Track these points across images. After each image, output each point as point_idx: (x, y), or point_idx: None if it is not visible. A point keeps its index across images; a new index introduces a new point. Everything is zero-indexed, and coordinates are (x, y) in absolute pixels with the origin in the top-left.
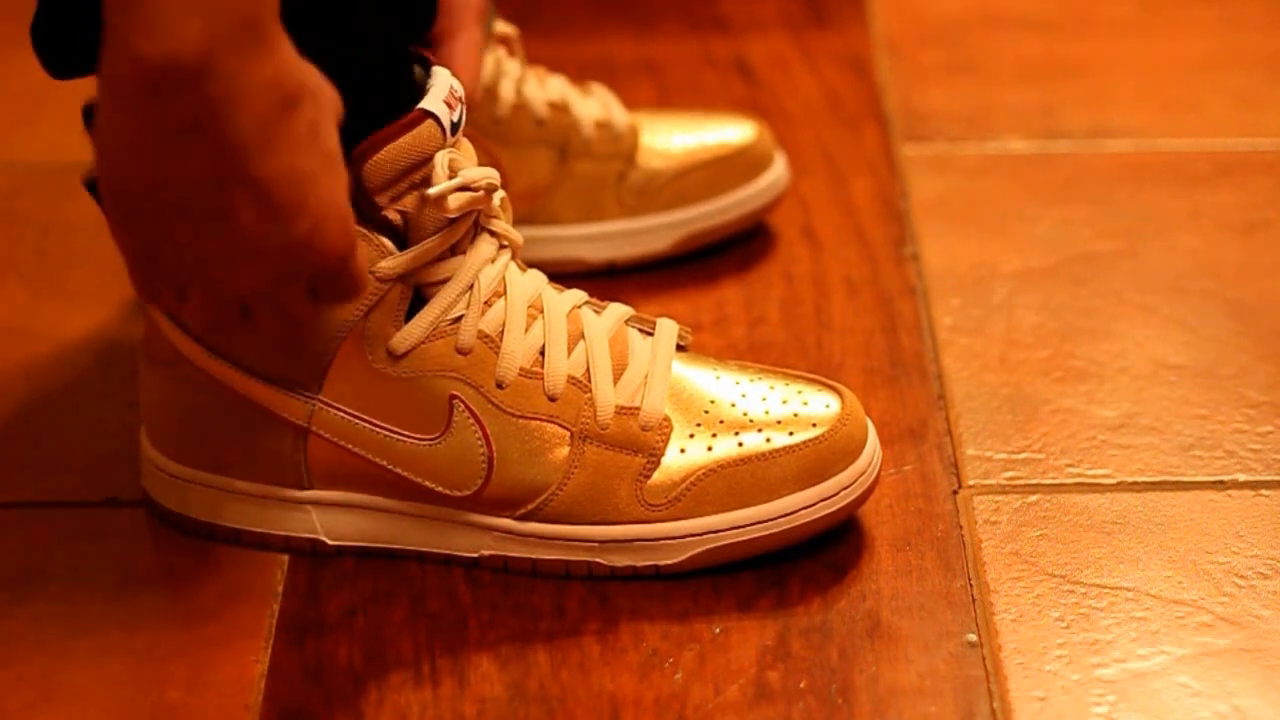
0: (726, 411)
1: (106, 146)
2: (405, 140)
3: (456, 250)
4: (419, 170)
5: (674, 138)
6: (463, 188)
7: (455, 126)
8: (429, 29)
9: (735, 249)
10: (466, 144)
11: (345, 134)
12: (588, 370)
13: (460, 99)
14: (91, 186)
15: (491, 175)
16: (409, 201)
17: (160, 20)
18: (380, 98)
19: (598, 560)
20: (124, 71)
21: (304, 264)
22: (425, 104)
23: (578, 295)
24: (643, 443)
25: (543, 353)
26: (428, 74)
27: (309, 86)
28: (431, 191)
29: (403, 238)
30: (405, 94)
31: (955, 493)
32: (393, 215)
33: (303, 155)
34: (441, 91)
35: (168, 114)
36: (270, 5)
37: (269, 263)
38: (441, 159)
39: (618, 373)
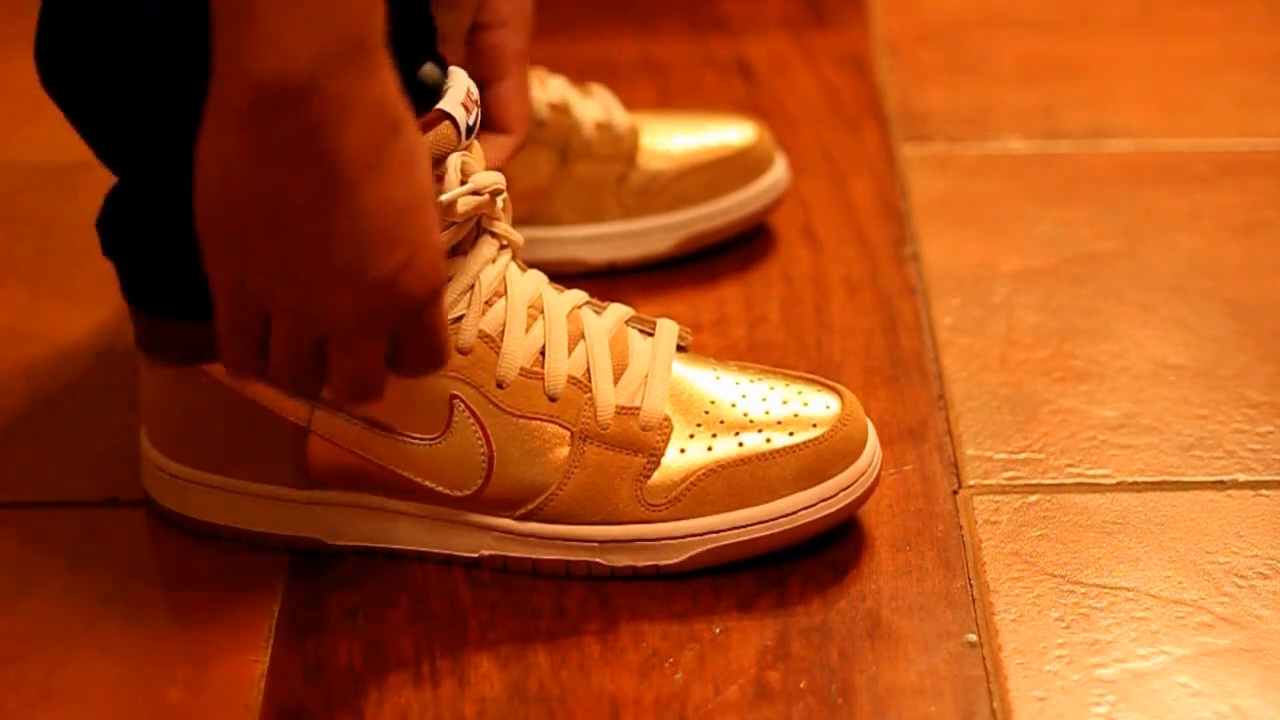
0: (727, 412)
1: (211, 169)
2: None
3: (458, 251)
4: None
5: (674, 139)
6: (473, 192)
7: (470, 130)
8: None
9: (735, 249)
10: (477, 147)
11: None
12: (588, 370)
13: (476, 102)
14: (102, 225)
15: (499, 180)
16: None
17: (271, 39)
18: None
19: (598, 560)
20: (234, 91)
21: (395, 299)
22: (443, 105)
23: (578, 295)
24: (643, 443)
25: (543, 353)
26: (445, 75)
27: (408, 115)
28: (444, 198)
29: None
30: (421, 94)
31: (955, 493)
32: None
33: (402, 184)
34: (459, 94)
35: (276, 134)
36: (378, 27)
37: (361, 295)
38: (454, 162)
39: (618, 373)
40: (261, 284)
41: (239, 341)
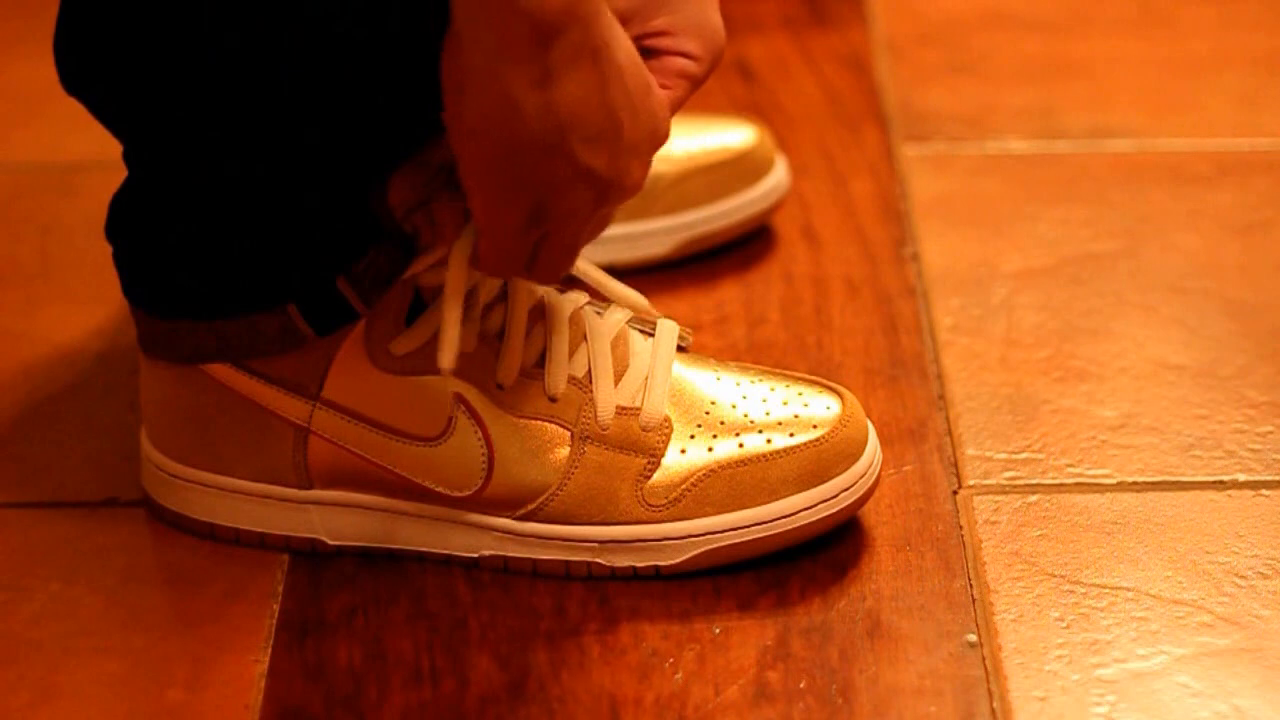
0: (727, 413)
1: (502, 124)
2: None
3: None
4: (441, 176)
5: (674, 142)
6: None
7: None
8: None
9: (735, 250)
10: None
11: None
12: (589, 371)
13: None
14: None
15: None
16: (421, 215)
17: None
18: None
19: (598, 560)
20: (515, 31)
21: (661, 137)
22: None
23: (579, 296)
24: (643, 443)
25: (544, 353)
26: None
27: None
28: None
29: (411, 243)
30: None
31: (955, 493)
32: (407, 225)
33: (625, 35)
34: None
35: (563, 52)
36: None
37: (649, 152)
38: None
39: (619, 373)
40: (561, 194)
41: (517, 260)
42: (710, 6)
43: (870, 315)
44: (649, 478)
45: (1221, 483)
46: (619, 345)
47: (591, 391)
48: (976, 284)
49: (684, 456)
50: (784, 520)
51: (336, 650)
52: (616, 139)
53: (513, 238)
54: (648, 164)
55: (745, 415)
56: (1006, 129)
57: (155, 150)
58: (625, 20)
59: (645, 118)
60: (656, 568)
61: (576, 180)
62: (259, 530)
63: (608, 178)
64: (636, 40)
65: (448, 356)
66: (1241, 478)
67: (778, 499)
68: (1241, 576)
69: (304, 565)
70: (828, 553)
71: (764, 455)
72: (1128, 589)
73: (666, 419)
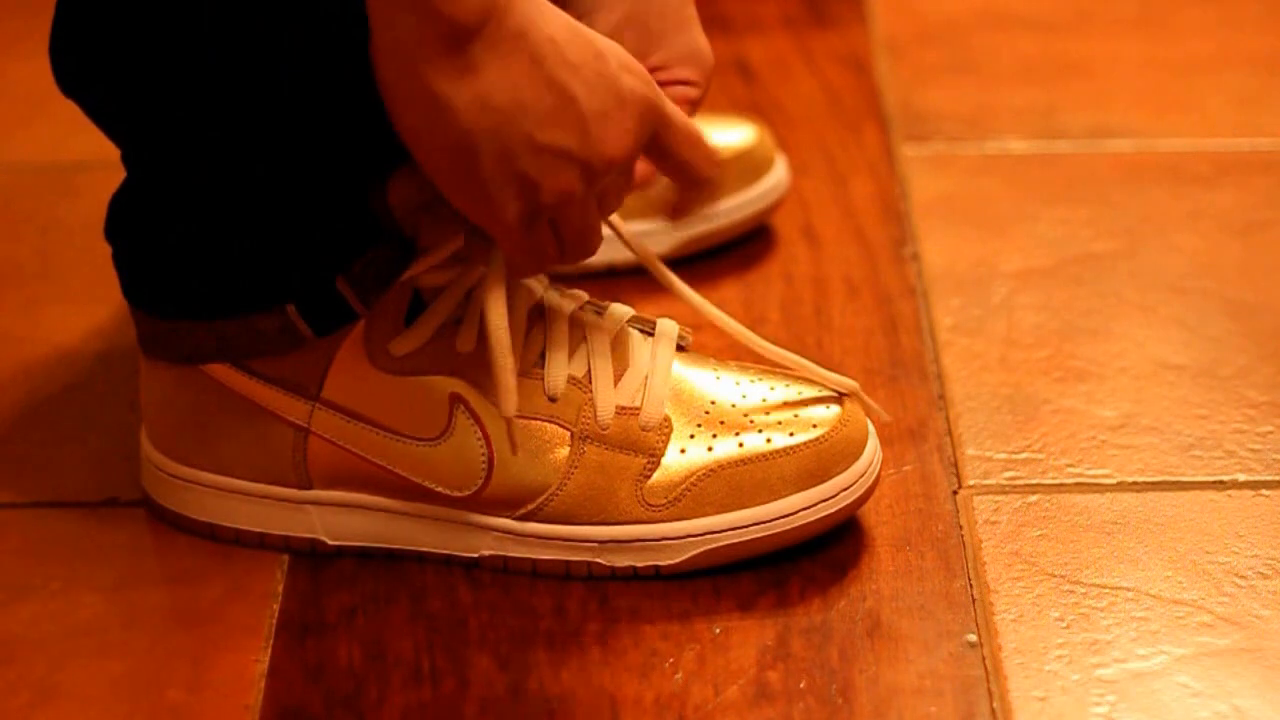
0: (727, 412)
1: (442, 131)
2: None
3: (459, 255)
4: None
5: None
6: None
7: None
8: None
9: (735, 249)
10: None
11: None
12: (588, 371)
13: None
14: (108, 228)
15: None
16: (421, 215)
17: None
18: None
19: (598, 560)
20: (434, 36)
21: (634, 92)
22: None
23: (579, 296)
24: (643, 443)
25: (543, 353)
26: None
27: None
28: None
29: (411, 243)
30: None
31: (955, 493)
32: (407, 225)
33: (555, 9)
34: None
35: (483, 46)
36: None
37: (625, 116)
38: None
39: (618, 373)
40: (541, 179)
41: (538, 253)
42: (697, 31)
43: (870, 315)
44: (649, 477)
45: (1221, 483)
46: (618, 345)
47: (591, 391)
48: (976, 284)
49: (684, 456)
50: (784, 520)
51: (336, 650)
52: (574, 112)
53: (518, 235)
54: (628, 128)
55: (745, 414)
56: (1006, 129)
57: (154, 151)
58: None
59: (600, 82)
60: (656, 568)
61: (550, 163)
62: (259, 530)
63: (582, 152)
64: None
65: (508, 404)
66: (1241, 478)
67: (777, 499)
68: (1241, 576)
69: (304, 565)
70: (828, 553)
71: (764, 455)
72: (1128, 589)
73: (666, 419)
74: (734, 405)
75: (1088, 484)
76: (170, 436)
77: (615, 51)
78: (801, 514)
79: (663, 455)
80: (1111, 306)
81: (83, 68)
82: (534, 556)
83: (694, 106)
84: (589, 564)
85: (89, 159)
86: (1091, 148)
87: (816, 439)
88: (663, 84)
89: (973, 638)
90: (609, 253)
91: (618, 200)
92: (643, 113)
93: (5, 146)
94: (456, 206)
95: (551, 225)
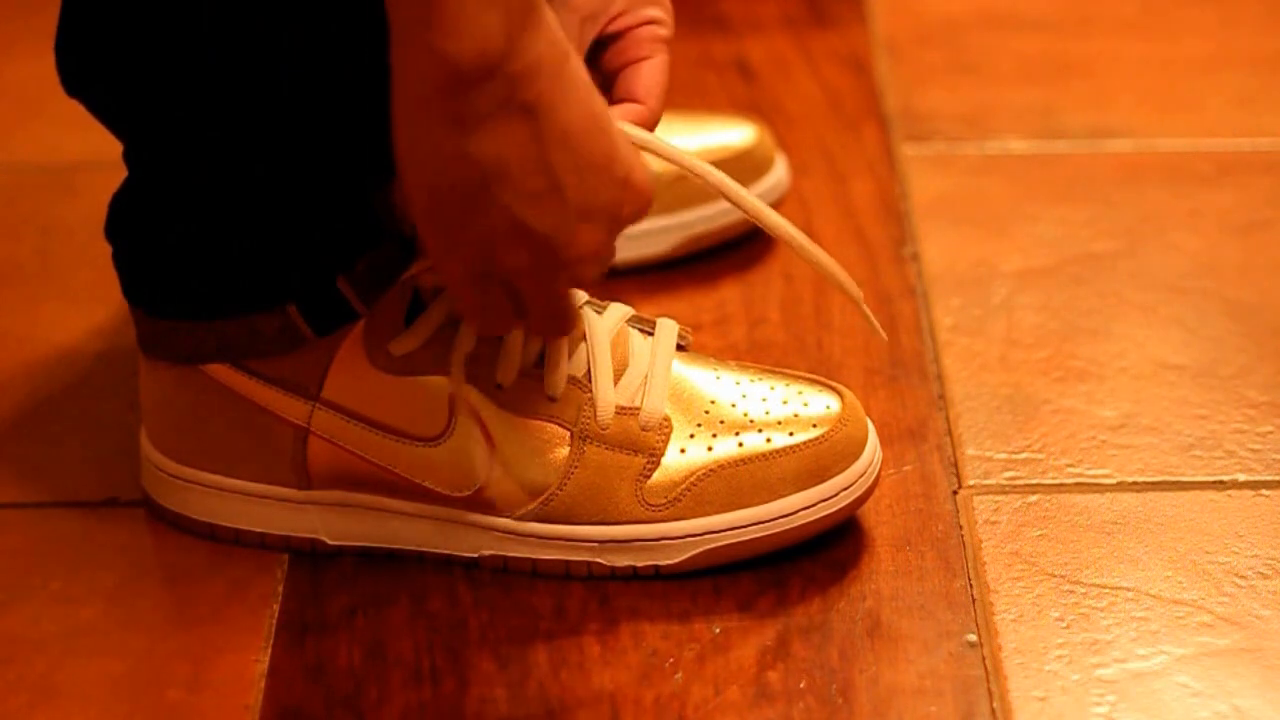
0: (727, 412)
1: (422, 158)
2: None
3: None
4: None
5: (674, 140)
6: None
7: None
8: None
9: (735, 249)
10: None
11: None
12: (588, 370)
13: None
14: (109, 227)
15: None
16: None
17: (465, 18)
18: None
19: (598, 560)
20: (432, 76)
21: (627, 213)
22: None
23: (578, 296)
24: (643, 443)
25: (543, 353)
26: None
27: (568, 40)
28: None
29: (411, 243)
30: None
31: (955, 493)
32: (407, 225)
33: (591, 105)
34: None
35: (482, 103)
36: None
37: (598, 222)
38: None
39: (618, 373)
40: (502, 250)
41: (491, 314)
42: None
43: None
44: (649, 477)
45: (1221, 483)
46: (618, 344)
47: (591, 391)
48: (976, 284)
49: (684, 456)
50: (783, 520)
51: (336, 650)
52: (559, 201)
53: (465, 287)
54: (604, 234)
55: (745, 414)
56: (1006, 129)
57: (155, 150)
58: (592, 17)
59: (601, 186)
60: (656, 567)
61: (515, 238)
62: (259, 530)
63: (550, 240)
64: (605, 33)
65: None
66: (1241, 478)
67: (777, 498)
68: (1241, 576)
69: (304, 565)
70: (828, 553)
71: (764, 454)
72: (1128, 589)
73: (666, 418)
74: (734, 405)
75: (1088, 484)
76: (170, 436)
77: (628, 159)
78: (801, 514)
79: (662, 455)
80: (1111, 306)
81: (84, 68)
82: (534, 556)
83: (667, 44)
84: (589, 564)
85: (89, 159)
86: (1091, 148)
87: (816, 439)
88: (631, 27)
89: (973, 638)
90: None
91: (589, 282)
92: (626, 225)
93: (5, 146)
94: (421, 235)
95: (511, 293)
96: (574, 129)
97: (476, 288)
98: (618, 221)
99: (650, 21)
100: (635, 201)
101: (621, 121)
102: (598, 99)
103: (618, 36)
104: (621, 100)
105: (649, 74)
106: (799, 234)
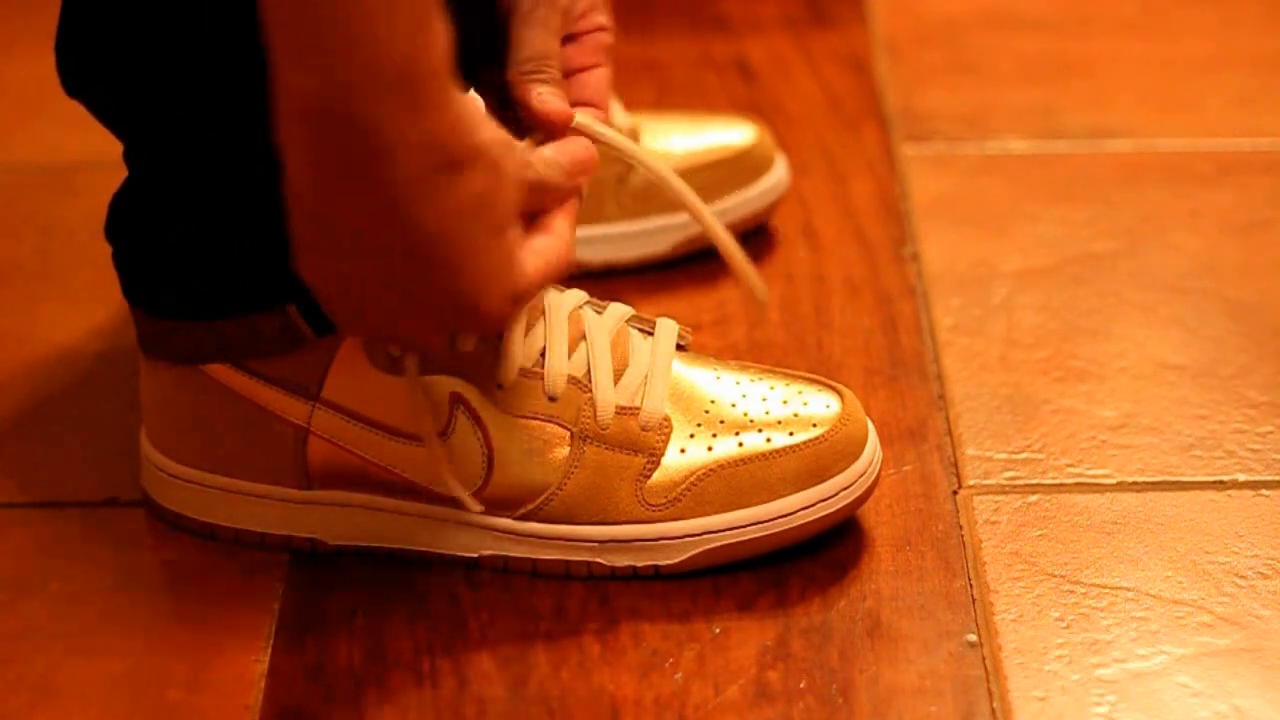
0: (727, 412)
1: (290, 178)
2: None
3: None
4: None
5: (674, 140)
6: None
7: None
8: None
9: None
10: None
11: None
12: (588, 370)
13: None
14: (109, 227)
15: None
16: None
17: (315, 57)
18: None
19: (598, 560)
20: (289, 101)
21: (460, 325)
22: None
23: (578, 295)
24: (643, 443)
25: (543, 353)
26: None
27: (486, 156)
28: None
29: None
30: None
31: (955, 493)
32: None
33: (464, 222)
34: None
35: (328, 148)
36: (432, 67)
37: (423, 315)
38: None
39: (618, 373)
40: (353, 293)
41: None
42: None
43: (870, 315)
44: (649, 477)
45: (1221, 483)
46: (618, 344)
47: (591, 391)
48: (976, 284)
49: (683, 456)
50: (783, 519)
51: (336, 650)
52: (386, 275)
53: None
54: (508, 312)
55: (745, 414)
56: (1006, 129)
57: (155, 150)
58: (566, 12)
59: (437, 282)
60: (656, 567)
61: (366, 288)
62: (259, 530)
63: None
64: (575, 31)
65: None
66: (1241, 478)
67: (777, 498)
68: (1241, 576)
69: (304, 565)
70: (828, 553)
71: (763, 454)
72: (1128, 589)
73: (666, 418)
74: (734, 405)
75: (1088, 484)
76: (170, 436)
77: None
78: (801, 514)
79: (662, 455)
80: (1111, 306)
81: (84, 68)
82: (534, 556)
83: (610, 54)
84: (589, 564)
85: (89, 159)
86: (1091, 148)
87: (816, 439)
88: (586, 31)
89: (973, 638)
90: (609, 252)
91: (490, 334)
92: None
93: (5, 146)
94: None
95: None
96: (429, 228)
97: (350, 313)
98: (444, 327)
99: (600, 28)
100: (469, 324)
101: (582, 116)
102: (488, 218)
103: (572, 39)
104: (577, 105)
105: (599, 82)
106: (718, 223)
